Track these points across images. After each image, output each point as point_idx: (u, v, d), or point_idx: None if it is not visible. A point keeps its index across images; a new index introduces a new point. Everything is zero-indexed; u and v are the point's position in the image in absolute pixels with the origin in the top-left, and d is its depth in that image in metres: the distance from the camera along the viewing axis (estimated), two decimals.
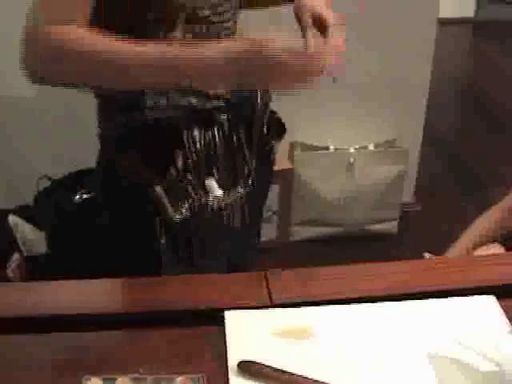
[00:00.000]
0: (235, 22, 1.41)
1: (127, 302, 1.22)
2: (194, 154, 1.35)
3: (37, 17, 1.13)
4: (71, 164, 2.50)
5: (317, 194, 3.13)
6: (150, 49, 1.13)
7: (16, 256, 2.52)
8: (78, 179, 2.46)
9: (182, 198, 1.35)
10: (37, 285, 1.25)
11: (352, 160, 3.12)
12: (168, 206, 1.33)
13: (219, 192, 1.38)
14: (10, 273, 2.50)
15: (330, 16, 1.52)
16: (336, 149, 3.14)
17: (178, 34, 1.27)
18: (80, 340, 1.11)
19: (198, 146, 1.35)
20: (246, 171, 1.46)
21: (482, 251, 1.57)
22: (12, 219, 2.58)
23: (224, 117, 1.39)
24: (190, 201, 1.36)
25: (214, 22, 1.32)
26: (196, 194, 1.36)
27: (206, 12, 1.28)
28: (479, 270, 1.27)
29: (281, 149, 1.62)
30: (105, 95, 1.37)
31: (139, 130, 1.34)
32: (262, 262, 1.67)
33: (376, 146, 3.18)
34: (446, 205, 3.54)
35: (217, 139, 1.38)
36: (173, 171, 1.33)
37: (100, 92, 1.38)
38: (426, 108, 3.26)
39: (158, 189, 1.32)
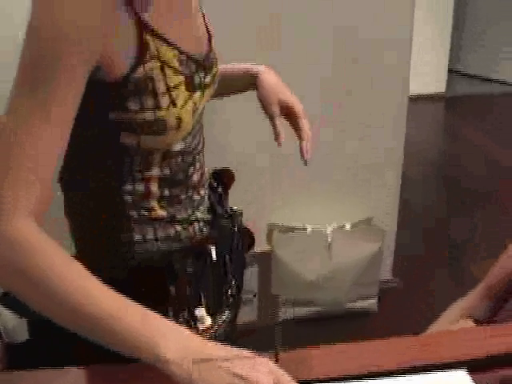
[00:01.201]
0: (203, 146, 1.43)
1: None
2: (185, 286, 1.33)
3: None
4: None
5: (296, 274, 3.16)
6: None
7: None
8: None
9: None
10: (17, 374, 1.21)
11: (330, 240, 3.16)
12: None
13: (209, 321, 1.35)
14: None
15: (296, 102, 1.59)
16: (313, 229, 3.18)
17: (155, 171, 1.28)
18: None
19: (189, 277, 1.34)
20: (230, 292, 1.46)
21: (451, 326, 1.59)
22: None
23: (212, 247, 1.39)
24: None
25: (187, 152, 1.33)
26: (189, 327, 1.31)
27: (180, 146, 1.29)
28: (451, 345, 1.30)
29: (260, 231, 1.64)
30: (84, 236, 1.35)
31: (127, 264, 1.31)
32: (243, 344, 1.67)
33: (353, 226, 3.23)
34: (425, 280, 3.57)
35: (206, 267, 1.38)
36: (167, 306, 1.29)
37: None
38: (400, 185, 3.31)
39: None
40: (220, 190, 1.56)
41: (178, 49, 1.21)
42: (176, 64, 1.21)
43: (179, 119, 1.22)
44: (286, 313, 3.22)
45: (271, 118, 1.56)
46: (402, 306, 3.36)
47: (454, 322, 1.64)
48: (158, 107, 1.18)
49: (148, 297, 1.10)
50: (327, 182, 3.20)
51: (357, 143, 3.17)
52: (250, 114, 2.88)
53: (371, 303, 3.33)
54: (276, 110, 1.56)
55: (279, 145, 1.52)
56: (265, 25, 2.80)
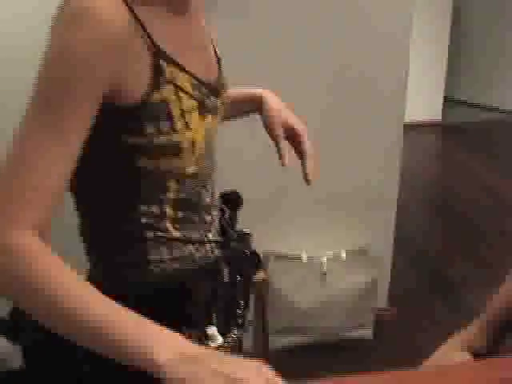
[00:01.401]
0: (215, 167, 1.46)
1: None
2: (198, 305, 1.35)
3: None
4: None
5: (291, 302, 3.15)
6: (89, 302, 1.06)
7: None
8: None
9: None
10: None
11: (325, 268, 3.15)
12: None
13: (220, 340, 1.36)
14: None
15: (299, 123, 1.62)
16: (309, 258, 3.17)
17: (170, 193, 1.30)
18: None
19: (202, 296, 1.36)
20: (239, 312, 1.48)
21: (448, 360, 1.58)
22: None
23: (225, 268, 1.43)
24: None
25: (199, 174, 1.35)
26: (201, 345, 1.32)
27: (193, 168, 1.31)
28: (449, 379, 1.29)
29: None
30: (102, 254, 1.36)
31: (143, 285, 1.32)
32: None
33: (348, 254, 3.22)
34: (420, 309, 3.57)
35: (218, 287, 1.41)
36: (180, 324, 1.29)
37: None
38: (396, 213, 3.31)
39: None
40: (229, 212, 1.57)
41: (190, 74, 1.25)
42: (189, 89, 1.25)
43: (193, 142, 1.25)
44: (281, 341, 3.21)
45: (276, 141, 1.59)
46: (397, 335, 3.35)
47: (452, 354, 1.63)
48: (173, 131, 1.22)
49: (161, 315, 1.12)
50: (323, 211, 3.20)
51: (352, 171, 3.17)
52: (246, 142, 2.91)
53: (366, 332, 3.31)
54: (280, 132, 1.59)
55: (283, 165, 1.54)
56: (266, 53, 2.83)
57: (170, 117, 1.21)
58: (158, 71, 1.18)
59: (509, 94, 6.96)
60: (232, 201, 1.59)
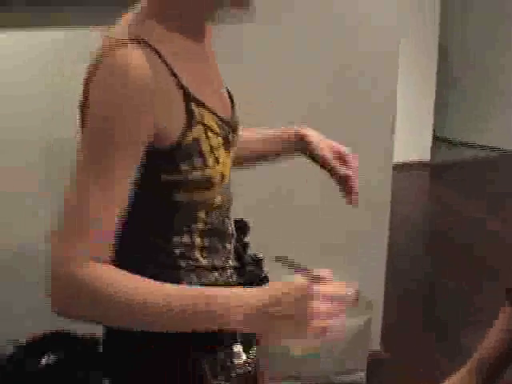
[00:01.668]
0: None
1: None
2: None
3: (59, 252, 1.21)
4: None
5: (282, 348, 3.10)
6: (172, 298, 1.24)
7: None
8: (44, 344, 2.41)
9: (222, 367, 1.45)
10: None
11: None
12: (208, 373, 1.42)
13: (244, 357, 1.48)
14: None
15: (339, 145, 1.77)
16: None
17: (199, 224, 1.40)
18: None
19: None
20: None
21: None
22: None
23: None
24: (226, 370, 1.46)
25: (223, 205, 1.45)
26: (227, 361, 1.45)
27: (219, 199, 1.41)
28: None
29: None
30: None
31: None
32: None
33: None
34: (414, 351, 3.54)
35: None
36: (208, 342, 1.39)
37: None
38: (387, 256, 3.30)
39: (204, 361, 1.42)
40: (245, 238, 1.69)
41: (214, 113, 1.37)
42: (215, 127, 1.37)
43: (223, 175, 1.38)
44: None
45: (334, 170, 1.76)
46: (391, 378, 3.31)
47: None
48: (205, 166, 1.33)
49: (191, 334, 1.27)
50: (313, 252, 3.17)
51: (342, 211, 3.15)
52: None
53: (360, 376, 3.26)
54: (337, 164, 1.76)
55: (354, 203, 1.81)
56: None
57: (201, 154, 1.32)
58: (190, 114, 1.30)
59: (497, 132, 6.98)
60: (241, 228, 1.68)
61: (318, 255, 3.18)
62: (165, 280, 1.36)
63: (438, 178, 6.47)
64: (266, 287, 1.30)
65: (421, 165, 6.48)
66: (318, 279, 1.29)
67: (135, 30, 1.27)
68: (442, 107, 6.84)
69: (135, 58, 1.20)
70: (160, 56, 1.26)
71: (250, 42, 2.79)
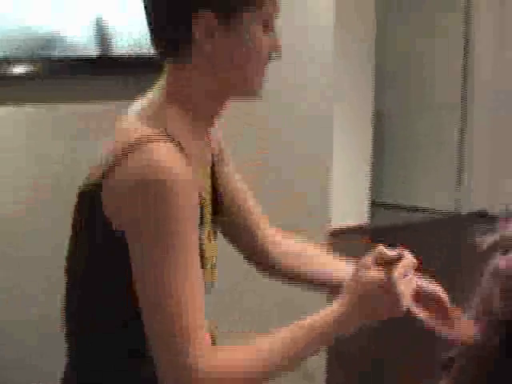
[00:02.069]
0: None
1: None
2: None
3: (176, 357, 1.24)
4: None
5: None
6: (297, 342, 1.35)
7: None
8: None
9: None
10: None
11: None
12: None
13: None
14: None
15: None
16: None
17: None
18: None
19: None
20: None
21: None
22: None
23: None
24: None
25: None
26: None
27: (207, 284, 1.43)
28: None
29: None
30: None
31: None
32: None
33: None
34: None
35: None
36: None
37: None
38: None
39: None
40: None
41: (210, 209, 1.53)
42: (209, 217, 1.51)
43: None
44: None
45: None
46: None
47: None
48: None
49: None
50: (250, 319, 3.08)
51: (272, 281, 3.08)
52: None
53: None
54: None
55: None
56: None
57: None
58: (201, 209, 1.39)
59: (434, 195, 7.04)
60: None
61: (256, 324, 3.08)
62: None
63: (377, 241, 6.44)
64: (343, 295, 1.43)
65: (359, 229, 6.47)
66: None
67: (160, 124, 1.31)
68: (378, 172, 6.89)
69: (174, 165, 1.26)
70: (182, 150, 1.31)
71: None
